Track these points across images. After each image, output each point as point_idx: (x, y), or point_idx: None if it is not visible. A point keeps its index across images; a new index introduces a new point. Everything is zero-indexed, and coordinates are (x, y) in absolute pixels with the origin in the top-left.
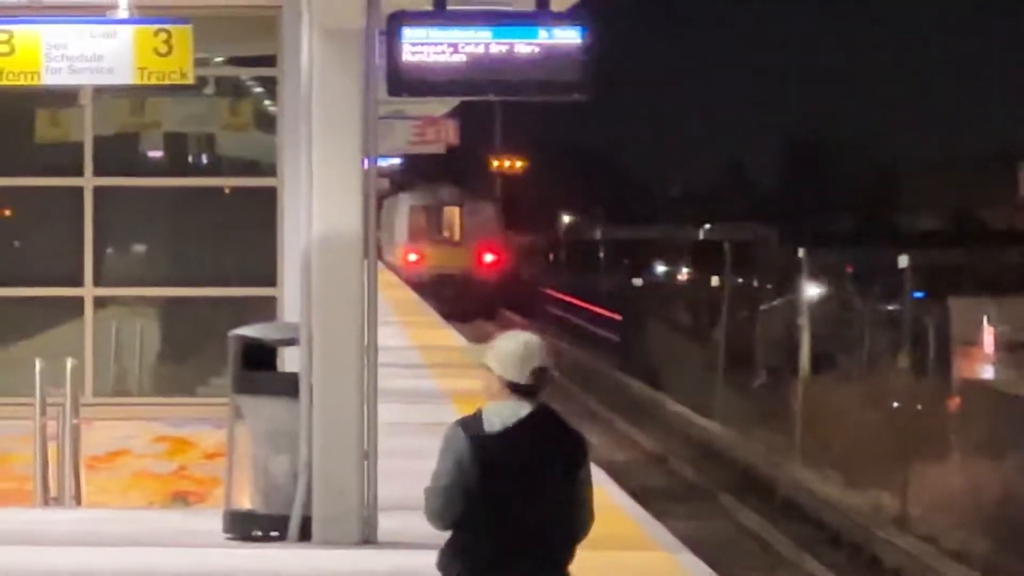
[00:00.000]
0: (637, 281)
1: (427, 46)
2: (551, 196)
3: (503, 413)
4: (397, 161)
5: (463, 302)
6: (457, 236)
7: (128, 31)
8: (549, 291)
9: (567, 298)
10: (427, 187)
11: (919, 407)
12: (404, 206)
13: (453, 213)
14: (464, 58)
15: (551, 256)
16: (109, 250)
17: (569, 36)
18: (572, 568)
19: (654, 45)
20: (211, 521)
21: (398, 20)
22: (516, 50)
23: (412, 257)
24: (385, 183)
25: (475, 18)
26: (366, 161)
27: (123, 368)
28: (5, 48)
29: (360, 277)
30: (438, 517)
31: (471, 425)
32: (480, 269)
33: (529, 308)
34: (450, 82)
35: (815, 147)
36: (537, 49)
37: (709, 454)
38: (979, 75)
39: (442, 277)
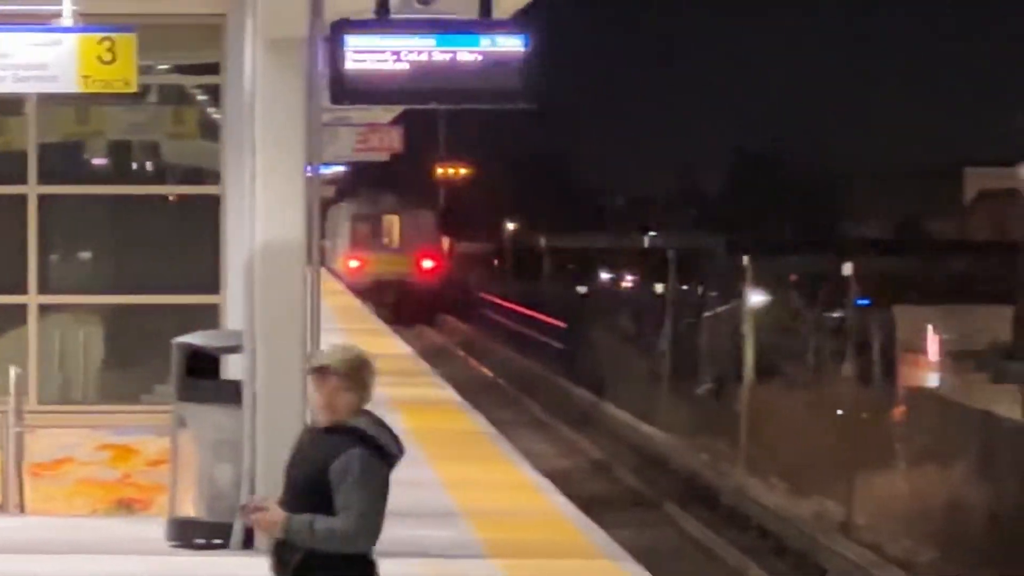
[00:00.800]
0: (582, 288)
1: (370, 54)
2: (496, 203)
3: (379, 431)
4: (341, 168)
5: (404, 307)
6: (397, 243)
7: (72, 39)
8: (494, 298)
9: (512, 306)
10: (368, 196)
11: (864, 415)
12: (346, 214)
13: (393, 221)
14: (407, 66)
15: (496, 263)
16: (53, 258)
17: (512, 44)
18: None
19: (602, 53)
20: (155, 528)
21: (341, 28)
22: (459, 58)
23: (354, 264)
24: (331, 190)
25: (418, 26)
26: (309, 168)
27: (67, 376)
28: None
29: (303, 284)
30: (373, 537)
31: (379, 449)
32: (419, 275)
33: (469, 313)
34: (393, 90)
35: (762, 156)
36: (480, 57)
37: (653, 462)
38: (926, 84)
39: (383, 283)
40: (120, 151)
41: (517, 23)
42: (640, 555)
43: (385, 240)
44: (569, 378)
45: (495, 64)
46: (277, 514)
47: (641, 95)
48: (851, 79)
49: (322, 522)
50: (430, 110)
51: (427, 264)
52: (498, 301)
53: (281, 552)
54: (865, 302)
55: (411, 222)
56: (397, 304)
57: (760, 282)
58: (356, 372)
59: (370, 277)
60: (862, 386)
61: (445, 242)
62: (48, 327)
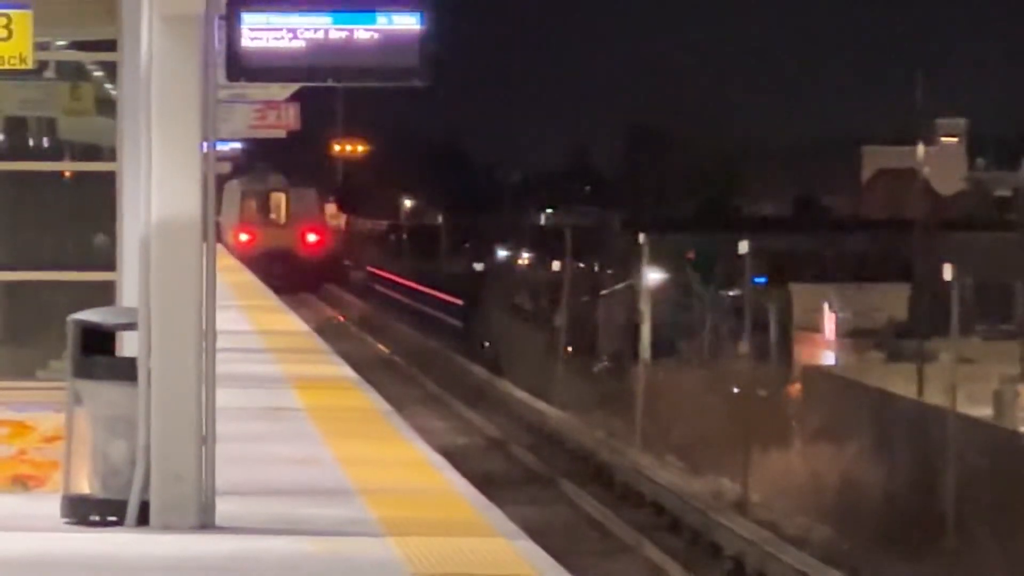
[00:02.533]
0: (478, 266)
1: (266, 31)
2: (394, 181)
3: None
4: (238, 145)
5: (290, 277)
6: (283, 219)
7: None
8: (391, 275)
9: (408, 283)
10: (256, 175)
11: (760, 393)
12: (236, 192)
13: (280, 198)
14: (303, 44)
15: (392, 240)
16: None
17: (408, 22)
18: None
19: (498, 30)
20: (49, 506)
21: (237, 5)
22: (355, 36)
23: (244, 237)
24: (227, 167)
25: (314, 4)
26: (205, 145)
27: None
28: None
29: (199, 261)
30: None
31: None
32: (304, 248)
33: (362, 289)
34: (289, 68)
35: (658, 133)
36: (376, 35)
37: (549, 440)
38: (822, 60)
39: (271, 255)
40: (16, 127)
41: (413, 1)
42: (536, 533)
43: (273, 216)
44: (465, 355)
45: (391, 42)
46: None
47: (535, 72)
48: (748, 54)
49: None
50: (327, 88)
51: (311, 238)
52: (394, 278)
53: None
54: (762, 280)
55: (297, 200)
56: (284, 274)
57: (656, 260)
58: None
59: (259, 250)
60: (758, 364)
61: (342, 219)
62: None
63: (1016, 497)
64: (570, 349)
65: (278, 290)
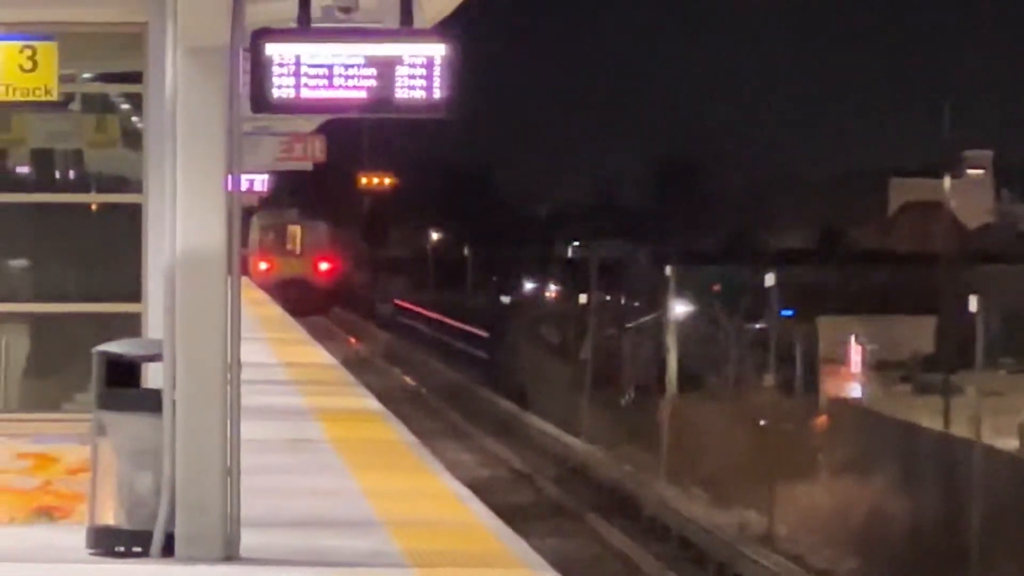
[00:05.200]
0: (505, 299)
1: (290, 63)
2: (420, 213)
3: None
4: (266, 177)
5: (304, 302)
6: (298, 249)
7: None
8: (415, 307)
9: (433, 315)
10: (273, 209)
11: (786, 426)
12: (256, 225)
13: (295, 231)
14: (328, 76)
15: (419, 272)
16: None
17: (434, 54)
18: None
19: (526, 64)
20: (75, 537)
21: (262, 37)
22: (381, 68)
23: (263, 266)
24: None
25: (340, 35)
26: (231, 178)
27: None
28: None
29: (224, 293)
30: None
31: None
32: (316, 275)
33: (363, 308)
34: (314, 100)
35: (685, 166)
36: (401, 67)
37: (575, 472)
38: (849, 94)
39: (287, 282)
40: (43, 159)
41: (439, 33)
42: (562, 565)
43: (289, 246)
44: (492, 388)
45: (417, 74)
46: None
47: (562, 105)
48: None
49: None
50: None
51: (324, 266)
52: (419, 310)
53: None
54: (789, 313)
55: (310, 232)
56: (298, 299)
57: (683, 292)
58: None
59: (276, 277)
60: (784, 397)
61: (363, 249)
62: None
63: None
64: (596, 382)
65: (293, 313)
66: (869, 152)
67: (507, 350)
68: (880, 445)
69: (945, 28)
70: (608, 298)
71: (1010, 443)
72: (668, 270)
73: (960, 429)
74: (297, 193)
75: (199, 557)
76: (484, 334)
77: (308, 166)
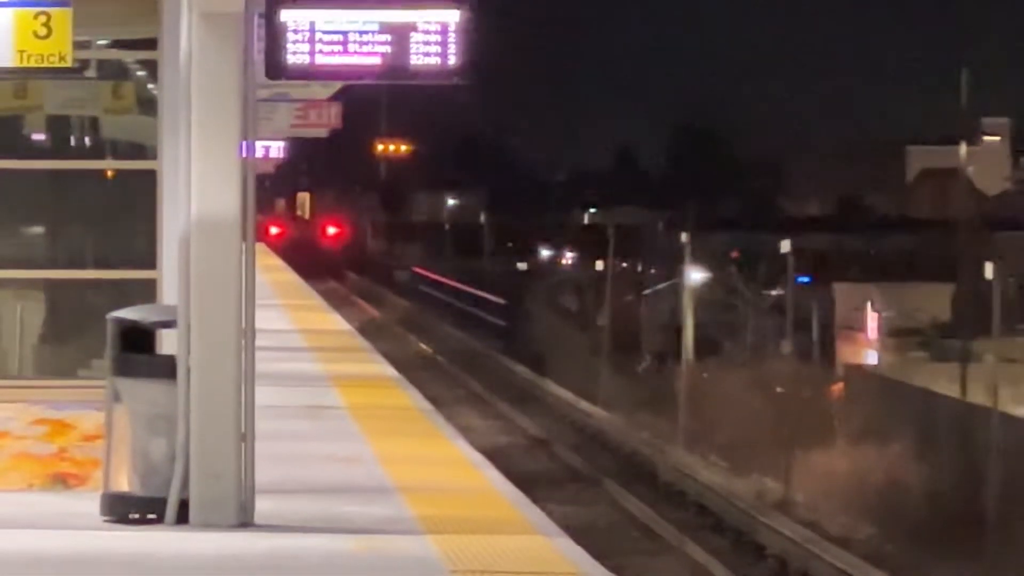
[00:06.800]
0: (522, 265)
1: (305, 29)
2: (437, 180)
3: None
4: (282, 144)
5: (314, 264)
6: (308, 215)
7: (7, 14)
8: (432, 275)
9: (450, 281)
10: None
11: (802, 392)
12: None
13: (305, 197)
14: (343, 42)
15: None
16: None
17: (450, 20)
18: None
19: (543, 29)
20: (90, 504)
21: (277, 3)
22: (396, 34)
23: (275, 230)
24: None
25: (355, 2)
26: (245, 145)
27: (3, 350)
28: None
29: (238, 260)
30: None
31: None
32: (324, 240)
33: (375, 273)
34: (329, 66)
35: (703, 133)
36: (417, 33)
37: (593, 439)
38: (868, 61)
39: (297, 245)
40: (59, 126)
41: None
42: (578, 532)
43: (299, 212)
44: (509, 355)
45: (432, 40)
46: None
47: (581, 71)
48: (793, 54)
49: None
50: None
51: (331, 231)
52: (435, 277)
53: None
54: (806, 279)
55: (319, 198)
56: (308, 262)
57: (699, 259)
58: None
59: (287, 240)
60: (801, 363)
61: (380, 215)
62: None
63: None
64: (613, 349)
65: (303, 275)
66: (888, 120)
67: (524, 317)
68: (896, 412)
69: None
70: (624, 264)
71: None
72: (684, 237)
73: (977, 396)
74: (313, 160)
75: (213, 523)
76: (501, 301)
77: (324, 133)
